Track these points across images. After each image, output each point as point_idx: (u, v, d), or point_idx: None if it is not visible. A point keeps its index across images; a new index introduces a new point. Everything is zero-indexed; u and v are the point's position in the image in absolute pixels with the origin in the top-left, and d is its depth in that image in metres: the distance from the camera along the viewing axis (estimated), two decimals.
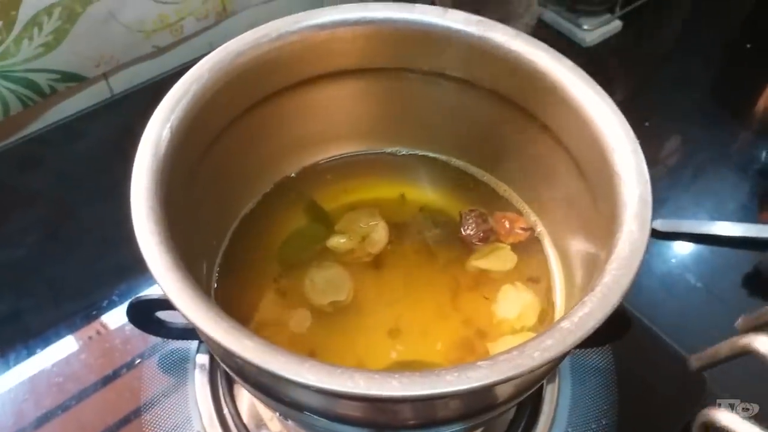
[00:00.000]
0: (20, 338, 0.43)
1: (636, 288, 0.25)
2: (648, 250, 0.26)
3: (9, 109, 0.52)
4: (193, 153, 0.32)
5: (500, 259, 0.37)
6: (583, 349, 0.41)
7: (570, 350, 0.23)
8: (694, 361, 0.35)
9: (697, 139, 0.59)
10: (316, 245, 0.38)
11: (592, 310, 0.24)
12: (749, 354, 0.30)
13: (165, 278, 0.25)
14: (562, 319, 0.24)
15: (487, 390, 0.26)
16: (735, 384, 0.40)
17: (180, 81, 0.31)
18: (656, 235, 0.49)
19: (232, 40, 0.33)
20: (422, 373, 0.22)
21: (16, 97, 0.52)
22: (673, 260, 0.49)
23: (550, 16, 0.66)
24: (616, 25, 0.66)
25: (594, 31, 0.65)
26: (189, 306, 0.24)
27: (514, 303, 0.35)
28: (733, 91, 0.63)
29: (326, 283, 0.36)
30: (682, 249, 0.50)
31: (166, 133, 0.29)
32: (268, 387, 0.27)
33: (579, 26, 0.65)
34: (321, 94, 0.37)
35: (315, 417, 0.27)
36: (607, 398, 0.40)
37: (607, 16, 0.66)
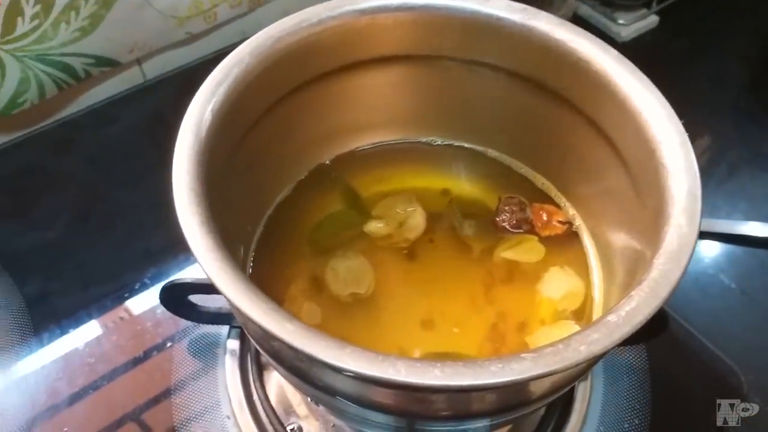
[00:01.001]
0: (52, 319, 0.43)
1: None
2: None
3: (45, 92, 0.53)
4: (233, 137, 0.32)
5: (527, 251, 0.37)
6: (618, 347, 0.41)
7: (616, 345, 0.23)
8: None
9: (732, 137, 0.57)
10: (348, 231, 0.37)
11: (639, 305, 0.23)
12: None
13: (206, 258, 0.24)
14: (609, 312, 0.23)
15: (529, 383, 0.25)
16: None
17: (221, 64, 0.31)
18: None
19: (272, 25, 0.32)
20: (465, 363, 0.22)
21: (51, 80, 0.52)
22: (707, 260, 0.48)
23: (586, 10, 0.65)
24: (653, 20, 0.65)
25: (630, 25, 0.63)
26: (230, 287, 0.24)
27: (560, 284, 0.34)
28: None
29: (348, 273, 0.35)
30: (716, 249, 0.49)
31: (207, 116, 0.29)
32: (304, 371, 0.27)
33: (614, 21, 0.64)
34: (359, 80, 0.36)
35: (347, 403, 0.27)
36: (640, 397, 0.40)
37: (644, 11, 0.64)
